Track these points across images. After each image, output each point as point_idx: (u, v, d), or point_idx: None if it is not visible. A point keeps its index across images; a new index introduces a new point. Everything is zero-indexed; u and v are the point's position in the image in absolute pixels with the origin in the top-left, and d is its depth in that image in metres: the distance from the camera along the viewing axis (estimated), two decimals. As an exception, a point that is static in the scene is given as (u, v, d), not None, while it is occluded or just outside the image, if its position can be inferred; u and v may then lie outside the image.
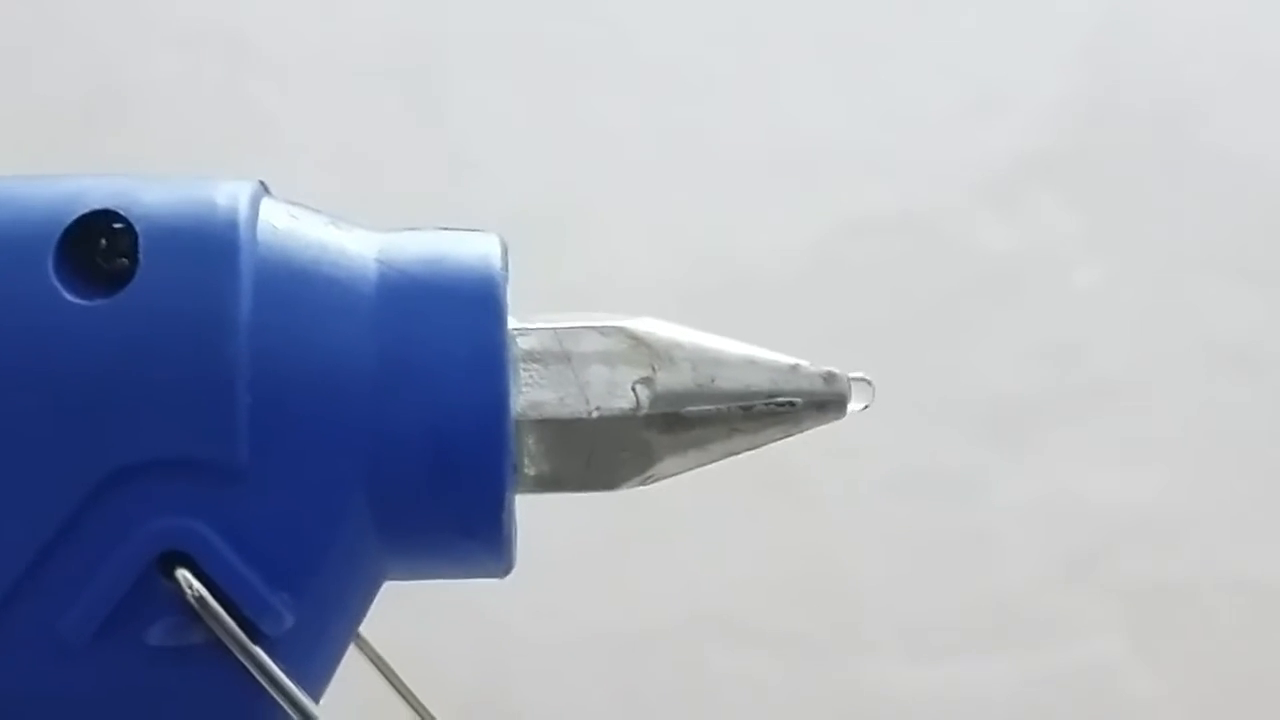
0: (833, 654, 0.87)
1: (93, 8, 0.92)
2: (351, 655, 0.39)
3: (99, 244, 0.33)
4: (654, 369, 0.35)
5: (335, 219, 0.35)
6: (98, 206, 0.33)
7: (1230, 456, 0.89)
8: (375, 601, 0.37)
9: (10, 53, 0.92)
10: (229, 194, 0.33)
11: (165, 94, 0.91)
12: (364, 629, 0.39)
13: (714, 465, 0.88)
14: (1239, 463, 0.89)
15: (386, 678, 0.41)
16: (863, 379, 0.37)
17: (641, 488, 0.36)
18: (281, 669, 0.32)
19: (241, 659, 0.32)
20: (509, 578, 0.91)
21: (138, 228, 0.33)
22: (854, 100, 0.93)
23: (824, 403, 0.36)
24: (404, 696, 0.41)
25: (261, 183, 0.35)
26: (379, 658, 0.40)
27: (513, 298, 0.35)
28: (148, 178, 0.34)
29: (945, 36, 0.93)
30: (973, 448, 0.89)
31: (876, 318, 0.89)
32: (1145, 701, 0.87)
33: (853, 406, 0.37)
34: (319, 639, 0.33)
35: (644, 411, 0.35)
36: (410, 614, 0.82)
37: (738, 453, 0.36)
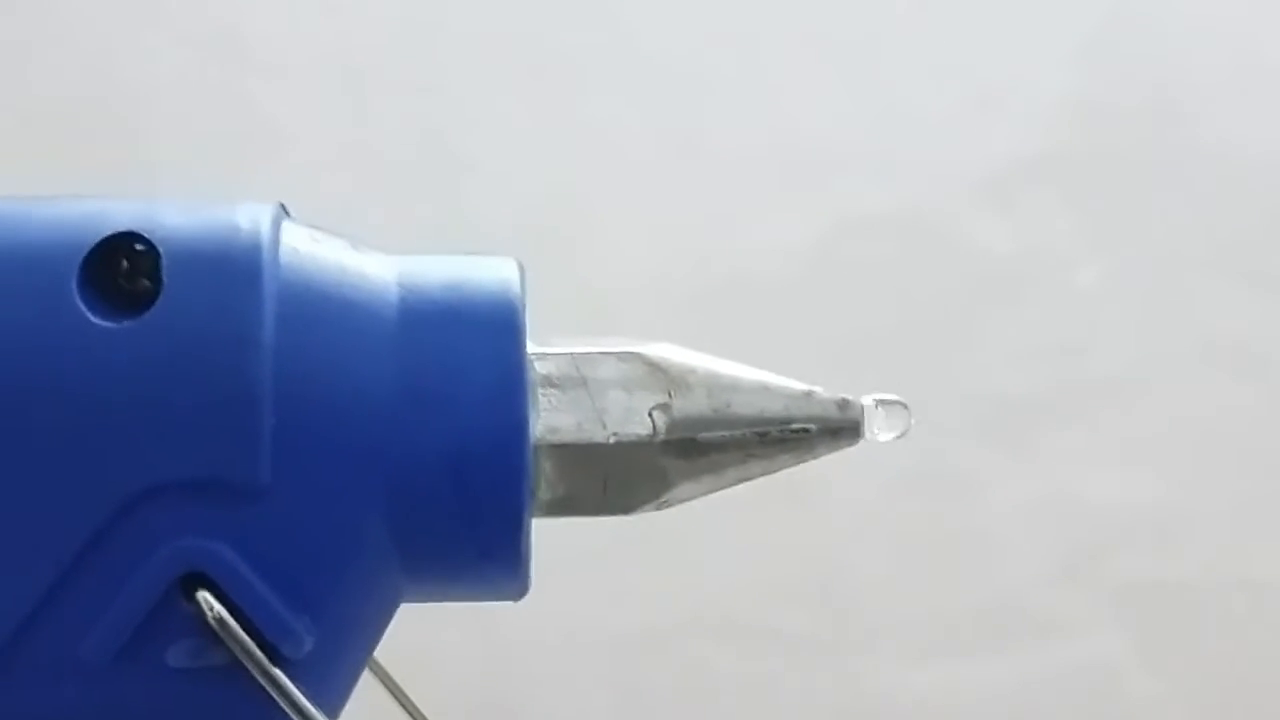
0: (833, 654, 0.87)
1: (93, 8, 0.92)
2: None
3: (121, 265, 0.33)
4: (670, 395, 0.35)
5: (355, 242, 0.35)
6: (121, 229, 0.33)
7: (1230, 456, 0.89)
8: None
9: (10, 53, 0.92)
10: (251, 217, 0.34)
11: (165, 94, 0.91)
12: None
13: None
14: (1239, 463, 0.89)
15: (391, 691, 0.41)
16: (897, 402, 0.37)
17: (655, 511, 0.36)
18: (301, 691, 0.32)
19: (262, 681, 0.32)
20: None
21: (161, 249, 0.33)
22: (854, 100, 0.93)
23: (838, 429, 0.37)
24: (408, 710, 0.41)
25: (282, 205, 0.35)
26: (383, 671, 0.40)
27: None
28: (169, 200, 0.34)
29: (945, 36, 0.93)
30: (973, 448, 0.89)
31: (876, 318, 0.89)
32: (1145, 701, 0.87)
33: (887, 435, 0.37)
34: (337, 661, 0.33)
35: (661, 438, 0.35)
36: (413, 617, 0.82)
37: (752, 478, 0.37)
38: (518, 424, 0.34)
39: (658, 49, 0.93)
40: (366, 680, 0.40)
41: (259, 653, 0.32)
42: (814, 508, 0.88)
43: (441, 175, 0.91)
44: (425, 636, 0.83)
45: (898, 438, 0.37)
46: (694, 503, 0.90)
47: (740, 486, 0.89)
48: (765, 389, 0.36)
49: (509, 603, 0.90)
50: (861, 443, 0.37)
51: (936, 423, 0.88)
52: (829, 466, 0.86)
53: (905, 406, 0.36)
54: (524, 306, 0.35)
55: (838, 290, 0.90)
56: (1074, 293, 0.90)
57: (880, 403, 0.36)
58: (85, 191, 0.35)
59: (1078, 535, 0.88)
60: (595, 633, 0.87)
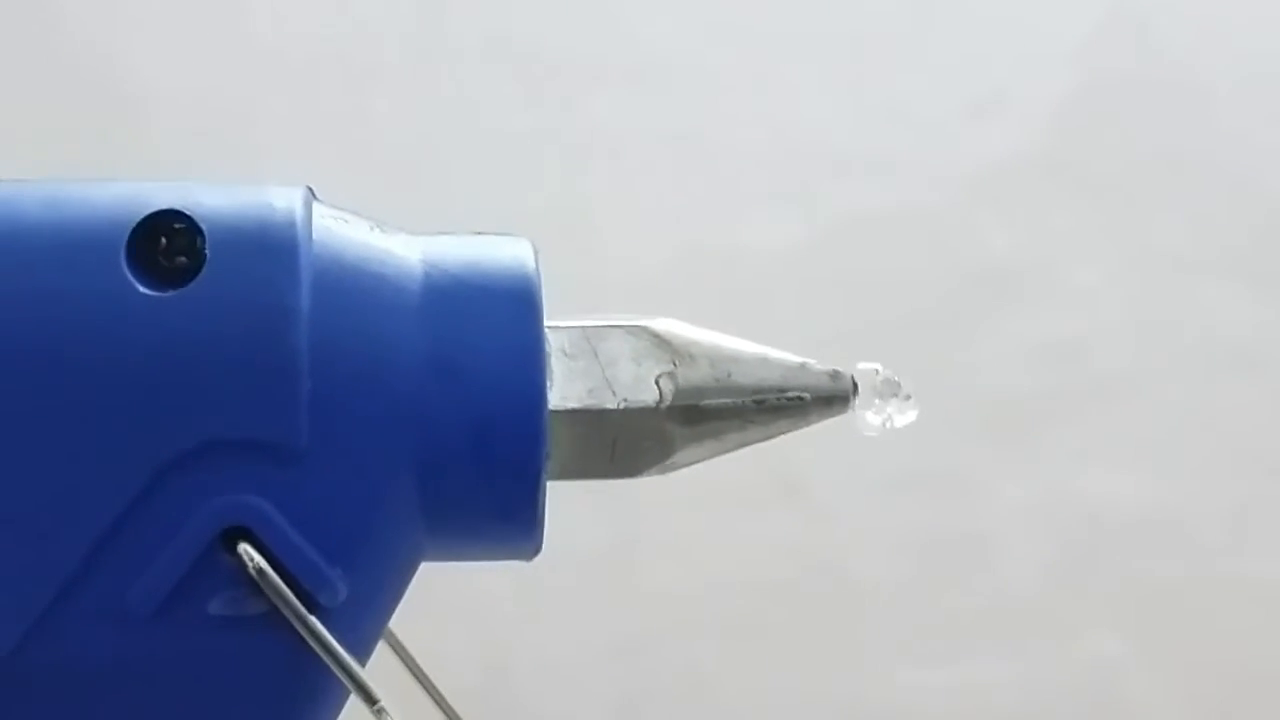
0: (833, 654, 0.87)
1: (92, 7, 0.92)
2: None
3: (160, 243, 0.35)
4: (675, 365, 0.38)
5: (379, 223, 0.37)
6: (164, 206, 0.35)
7: (1230, 456, 0.89)
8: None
9: (12, 53, 0.92)
10: (285, 197, 0.36)
11: (166, 94, 0.91)
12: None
13: (715, 465, 0.88)
14: (1239, 463, 0.89)
15: (415, 675, 0.42)
16: (892, 378, 0.40)
17: (660, 476, 0.39)
18: (333, 638, 0.34)
19: (298, 628, 0.33)
20: (513, 582, 0.91)
21: (203, 226, 0.35)
22: (854, 100, 0.93)
23: (830, 398, 0.39)
24: (431, 694, 0.42)
25: (309, 188, 0.37)
26: (405, 652, 0.41)
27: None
28: (202, 182, 0.36)
29: (945, 36, 0.94)
30: (973, 448, 0.89)
31: (876, 317, 0.89)
32: (1145, 701, 0.87)
33: (904, 419, 0.40)
34: (366, 612, 0.35)
35: (666, 404, 0.38)
36: (413, 617, 0.82)
37: (751, 443, 0.39)
38: (536, 391, 0.36)
39: (658, 49, 0.93)
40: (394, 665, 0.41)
41: (296, 601, 0.34)
42: (814, 508, 0.88)
43: (441, 175, 0.91)
44: (425, 636, 0.83)
45: (912, 418, 0.39)
46: (696, 504, 0.90)
47: (742, 487, 0.89)
48: (764, 360, 0.39)
49: (513, 606, 0.89)
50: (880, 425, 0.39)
51: (937, 422, 0.89)
52: (829, 466, 0.86)
53: (897, 382, 0.39)
54: (540, 282, 0.37)
55: (837, 290, 0.90)
56: (1074, 293, 0.90)
57: (882, 378, 0.40)
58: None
59: (1078, 535, 0.88)
60: (595, 633, 0.87)
